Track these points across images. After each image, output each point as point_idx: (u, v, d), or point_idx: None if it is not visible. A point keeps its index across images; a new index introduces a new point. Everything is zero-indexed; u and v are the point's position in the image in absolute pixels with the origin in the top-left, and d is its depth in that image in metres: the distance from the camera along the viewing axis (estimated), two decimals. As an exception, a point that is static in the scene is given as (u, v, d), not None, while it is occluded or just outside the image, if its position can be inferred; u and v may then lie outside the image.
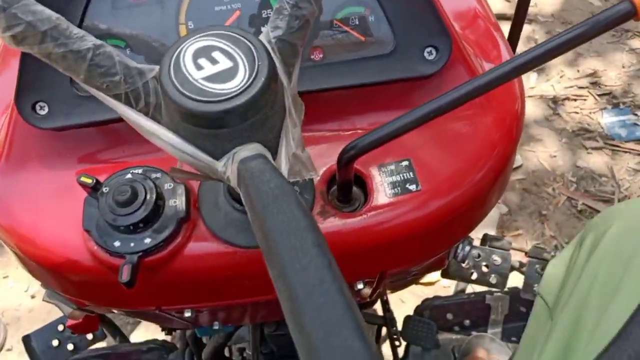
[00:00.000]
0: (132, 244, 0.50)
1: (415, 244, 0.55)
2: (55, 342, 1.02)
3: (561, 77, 2.28)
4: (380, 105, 0.57)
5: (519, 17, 0.74)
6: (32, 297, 1.77)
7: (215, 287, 0.55)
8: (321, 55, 0.57)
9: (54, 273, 0.55)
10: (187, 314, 0.58)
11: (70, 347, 1.01)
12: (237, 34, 0.39)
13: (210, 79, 0.37)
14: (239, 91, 0.37)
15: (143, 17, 0.55)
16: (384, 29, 0.56)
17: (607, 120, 2.14)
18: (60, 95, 0.53)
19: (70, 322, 0.69)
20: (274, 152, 0.40)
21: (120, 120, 0.54)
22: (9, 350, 1.69)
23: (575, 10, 2.49)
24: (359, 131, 0.57)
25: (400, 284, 0.82)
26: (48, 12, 0.36)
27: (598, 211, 1.85)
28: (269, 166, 0.32)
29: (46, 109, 0.54)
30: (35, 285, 1.78)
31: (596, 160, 2.02)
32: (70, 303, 0.64)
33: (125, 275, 0.48)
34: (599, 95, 2.21)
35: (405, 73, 0.55)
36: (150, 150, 0.57)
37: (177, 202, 0.53)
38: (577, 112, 2.17)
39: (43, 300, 0.69)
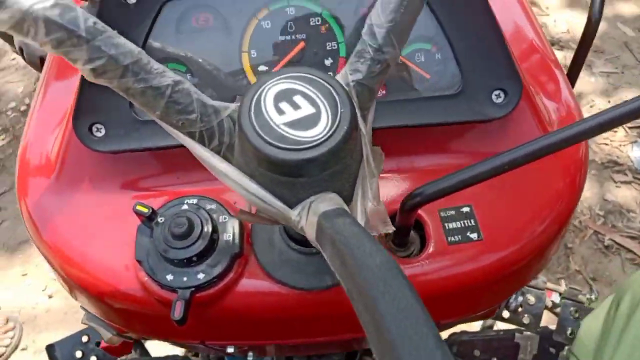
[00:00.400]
0: (184, 279, 0.49)
1: (471, 295, 0.53)
2: (78, 354, 1.01)
3: (591, 106, 2.25)
4: (441, 145, 0.56)
5: (580, 55, 0.72)
6: (50, 296, 1.77)
7: (265, 327, 0.53)
8: (384, 92, 0.55)
9: (99, 300, 0.53)
10: (230, 350, 0.56)
11: (93, 359, 1.00)
12: (319, 78, 0.37)
13: (292, 125, 0.36)
14: (321, 140, 0.35)
15: (206, 43, 0.54)
16: (451, 67, 0.54)
17: (637, 154, 2.10)
18: (118, 118, 0.52)
19: (105, 344, 0.68)
20: (348, 201, 0.39)
21: (176, 147, 0.53)
22: (23, 349, 1.68)
23: (609, 40, 2.45)
24: (418, 172, 0.55)
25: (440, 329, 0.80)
26: (130, 45, 0.35)
27: (626, 248, 1.82)
28: (361, 231, 0.30)
29: (103, 131, 0.53)
30: (53, 285, 1.78)
31: (625, 195, 1.98)
32: (110, 329, 0.62)
33: (177, 312, 0.47)
34: (629, 127, 2.17)
35: (471, 116, 0.53)
36: (204, 178, 0.55)
37: (231, 236, 0.51)
38: (606, 144, 2.13)
39: (82, 322, 0.68)
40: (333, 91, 0.37)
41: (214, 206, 0.53)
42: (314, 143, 0.35)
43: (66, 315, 1.73)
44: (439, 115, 0.53)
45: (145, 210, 0.50)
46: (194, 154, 0.39)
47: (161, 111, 0.37)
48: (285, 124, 0.36)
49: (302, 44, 0.54)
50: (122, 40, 0.35)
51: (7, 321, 1.69)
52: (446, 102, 0.53)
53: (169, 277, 0.49)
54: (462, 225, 0.52)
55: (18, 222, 1.93)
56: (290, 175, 0.36)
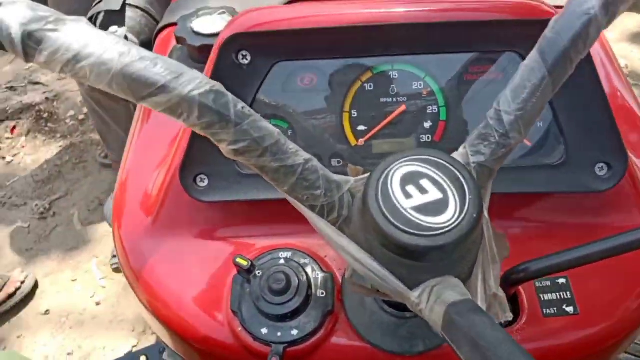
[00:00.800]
0: (279, 334, 0.50)
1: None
2: (136, 373, 1.03)
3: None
4: (539, 214, 0.55)
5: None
6: (97, 304, 1.81)
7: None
8: None
9: (190, 344, 0.55)
10: None
11: (149, 380, 1.02)
12: (445, 162, 0.38)
13: (419, 209, 0.36)
14: (450, 227, 0.35)
15: (309, 102, 0.55)
16: (555, 137, 0.54)
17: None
18: (222, 171, 0.54)
19: (177, 377, 0.69)
20: (465, 283, 0.39)
21: (274, 200, 0.54)
22: (69, 354, 1.73)
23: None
24: (512, 239, 0.55)
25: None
26: (271, 128, 0.37)
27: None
28: (507, 338, 0.30)
29: (206, 182, 0.54)
30: (101, 292, 1.83)
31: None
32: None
33: (273, 368, 0.48)
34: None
35: (573, 187, 0.52)
36: (295, 231, 0.56)
37: (324, 293, 0.52)
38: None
39: (163, 358, 0.69)
40: (460, 177, 0.37)
41: (307, 261, 0.54)
42: (443, 230, 0.35)
43: (111, 323, 1.77)
44: (540, 185, 0.52)
45: (244, 263, 0.51)
46: (313, 224, 0.40)
47: (289, 187, 0.38)
48: (413, 208, 0.36)
49: (403, 107, 0.54)
50: (264, 123, 0.36)
51: (22, 271, 1.83)
52: (548, 172, 0.53)
53: (264, 330, 0.50)
54: (558, 297, 0.52)
55: (71, 228, 2.00)
56: (413, 259, 0.36)
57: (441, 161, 0.38)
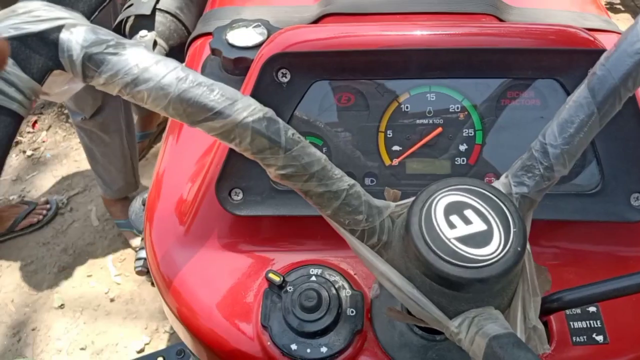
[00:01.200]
0: (308, 350, 0.50)
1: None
2: (152, 375, 1.04)
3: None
4: (570, 242, 0.55)
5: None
6: (112, 300, 1.83)
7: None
8: None
9: (217, 355, 0.55)
10: None
11: (166, 381, 1.02)
12: (490, 193, 0.38)
13: (463, 240, 0.36)
14: (494, 260, 0.36)
15: (345, 121, 0.55)
16: (590, 165, 0.54)
17: None
18: (257, 186, 0.55)
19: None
20: (504, 315, 0.39)
21: (307, 217, 0.55)
22: (82, 349, 1.74)
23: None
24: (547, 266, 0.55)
25: None
26: (318, 154, 0.37)
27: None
28: None
29: (240, 196, 0.55)
30: (116, 289, 1.84)
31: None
32: (216, 377, 0.64)
33: (302, 385, 0.48)
34: None
35: (607, 217, 0.52)
36: (327, 248, 0.57)
37: (353, 311, 0.52)
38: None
39: None
40: (505, 208, 0.37)
41: (337, 278, 0.54)
42: (486, 262, 0.35)
43: (125, 320, 1.79)
44: (573, 213, 0.52)
45: (277, 278, 0.52)
46: (352, 248, 0.41)
47: (332, 211, 0.39)
48: (457, 239, 0.36)
49: (439, 130, 0.54)
50: (312, 149, 0.37)
51: (47, 202, 2.00)
52: (582, 200, 0.53)
53: (293, 346, 0.51)
54: (588, 325, 0.52)
55: (87, 224, 2.02)
56: (454, 289, 0.37)
57: (485, 192, 0.38)
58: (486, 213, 0.37)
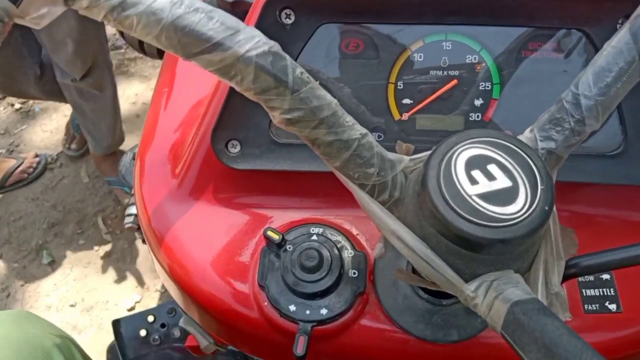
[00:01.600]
0: (307, 312, 0.48)
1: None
2: (143, 332, 1.02)
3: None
4: (588, 206, 0.52)
5: None
6: (102, 257, 1.81)
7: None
8: None
9: (211, 315, 0.53)
10: None
11: (156, 339, 1.01)
12: (516, 146, 0.34)
13: (486, 197, 0.33)
14: (519, 219, 0.32)
15: (352, 70, 0.51)
16: (613, 124, 0.50)
17: None
18: (256, 138, 0.51)
19: (190, 343, 0.68)
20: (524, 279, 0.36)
21: (309, 172, 0.51)
22: (72, 306, 1.73)
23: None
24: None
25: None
26: (329, 97, 0.33)
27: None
28: (584, 345, 0.28)
29: (238, 148, 0.51)
30: (106, 247, 1.82)
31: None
32: (209, 337, 0.62)
33: (300, 348, 0.46)
34: None
35: (629, 180, 0.49)
36: (329, 206, 0.54)
37: (356, 272, 0.49)
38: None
39: (179, 324, 0.67)
40: (532, 164, 0.34)
41: (339, 238, 0.51)
42: (511, 222, 0.32)
43: (115, 278, 1.77)
44: (593, 175, 0.49)
45: (276, 236, 0.48)
46: (362, 205, 0.37)
47: (341, 162, 0.35)
48: (479, 196, 0.33)
49: (454, 81, 0.50)
50: (322, 92, 0.33)
51: (36, 155, 1.97)
52: (603, 162, 0.49)
53: (292, 307, 0.48)
54: (601, 293, 0.49)
55: (77, 181, 1.97)
56: (473, 250, 0.33)
57: (511, 145, 0.34)
58: (511, 168, 0.34)
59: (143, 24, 0.30)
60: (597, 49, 0.50)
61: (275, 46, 0.32)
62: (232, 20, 0.31)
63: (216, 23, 0.30)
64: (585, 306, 0.49)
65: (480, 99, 0.51)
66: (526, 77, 0.51)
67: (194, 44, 0.30)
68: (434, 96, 0.51)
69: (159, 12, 0.29)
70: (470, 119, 0.52)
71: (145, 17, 0.29)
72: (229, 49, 0.30)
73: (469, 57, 0.50)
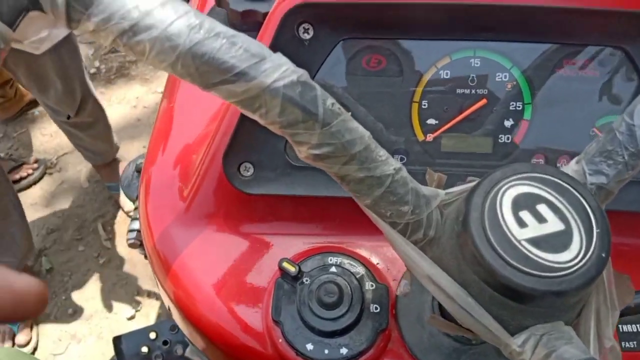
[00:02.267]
0: (326, 351, 0.44)
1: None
2: (144, 349, 0.99)
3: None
4: (630, 236, 0.49)
5: None
6: (101, 265, 1.77)
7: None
8: None
9: (220, 349, 0.49)
10: None
11: (158, 355, 0.98)
12: (568, 184, 0.31)
13: (536, 243, 0.29)
14: (575, 268, 0.29)
15: (374, 88, 0.48)
16: None
17: None
18: (270, 160, 0.47)
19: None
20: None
21: (327, 197, 0.48)
22: (71, 315, 1.69)
23: None
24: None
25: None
26: (361, 130, 0.30)
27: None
28: None
29: (251, 171, 0.48)
30: (106, 254, 1.78)
31: None
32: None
33: (318, 390, 0.42)
34: None
35: None
36: (346, 232, 0.50)
37: (377, 308, 0.46)
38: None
39: (186, 355, 0.64)
40: (585, 203, 0.30)
41: (359, 269, 0.47)
42: (566, 272, 0.29)
43: (114, 286, 1.73)
44: (633, 204, 0.46)
45: (292, 268, 0.45)
46: (393, 245, 0.34)
47: (373, 200, 0.32)
48: (528, 241, 0.29)
49: (484, 101, 0.47)
50: (354, 124, 0.29)
51: (37, 161, 1.94)
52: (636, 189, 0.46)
53: (309, 346, 0.44)
54: (639, 330, 0.46)
55: (77, 185, 1.94)
56: (521, 302, 0.30)
57: (562, 183, 0.31)
58: (563, 209, 0.30)
59: (157, 51, 0.26)
60: (636, 68, 0.46)
61: (304, 75, 0.28)
62: (256, 46, 0.27)
63: (239, 50, 0.26)
64: (622, 344, 0.46)
65: (511, 119, 0.48)
66: (560, 97, 0.47)
67: (214, 73, 0.26)
68: (461, 116, 0.47)
69: (175, 38, 0.26)
70: (500, 141, 0.48)
71: (159, 43, 0.26)
72: (254, 79, 0.26)
73: (498, 75, 0.47)
